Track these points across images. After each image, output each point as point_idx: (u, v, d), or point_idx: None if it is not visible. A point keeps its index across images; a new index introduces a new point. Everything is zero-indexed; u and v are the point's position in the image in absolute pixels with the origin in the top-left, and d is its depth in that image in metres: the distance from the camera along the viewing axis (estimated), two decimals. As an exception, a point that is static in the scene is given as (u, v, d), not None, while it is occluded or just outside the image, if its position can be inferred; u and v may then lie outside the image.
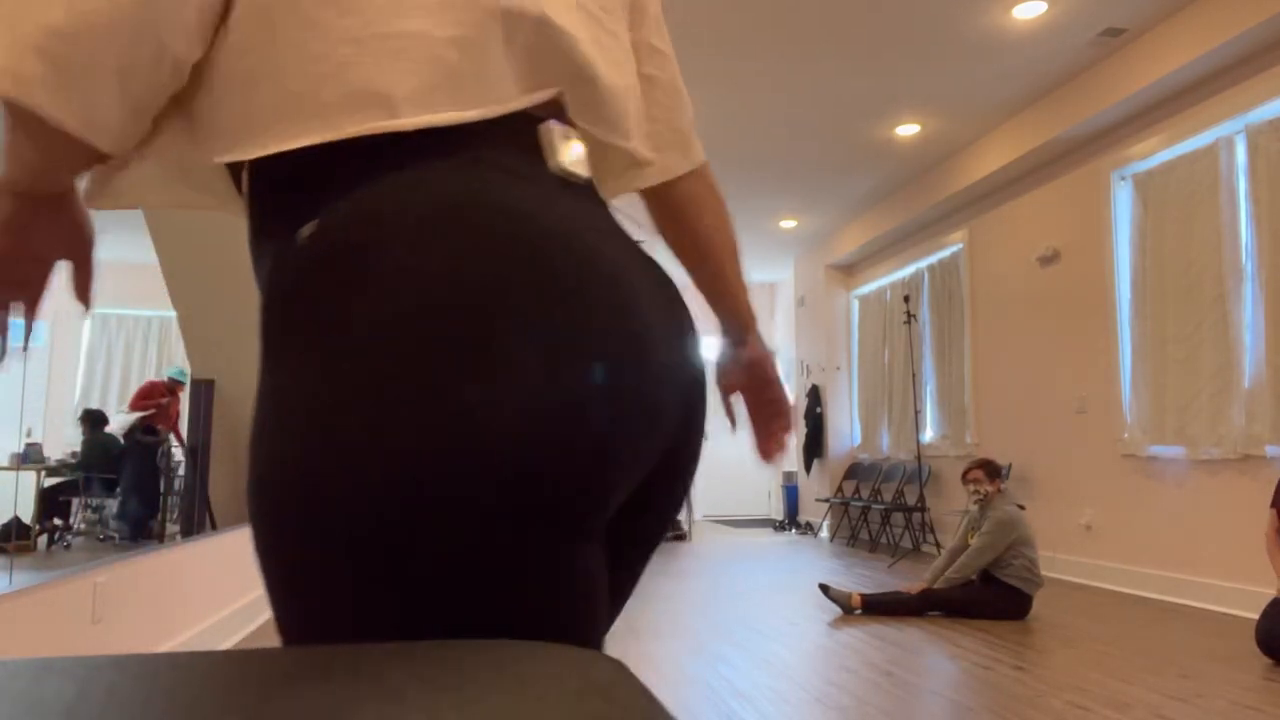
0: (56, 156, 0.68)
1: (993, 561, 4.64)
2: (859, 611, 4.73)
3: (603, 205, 0.79)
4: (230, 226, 4.02)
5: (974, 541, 4.71)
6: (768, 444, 1.08)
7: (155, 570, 3.34)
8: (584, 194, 0.75)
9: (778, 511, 11.97)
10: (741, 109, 6.14)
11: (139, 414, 3.87)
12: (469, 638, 0.61)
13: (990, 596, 4.62)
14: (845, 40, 5.15)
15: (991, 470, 4.89)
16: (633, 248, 0.75)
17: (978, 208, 7.31)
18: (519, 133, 0.73)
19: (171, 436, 4.24)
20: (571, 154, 0.75)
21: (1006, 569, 4.61)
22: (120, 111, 0.65)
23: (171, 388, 4.22)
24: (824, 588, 4.85)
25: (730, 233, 1.02)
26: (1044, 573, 4.70)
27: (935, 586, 4.73)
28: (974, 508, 4.89)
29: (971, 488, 4.90)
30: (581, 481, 0.62)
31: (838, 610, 4.83)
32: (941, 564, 4.85)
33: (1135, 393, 5.52)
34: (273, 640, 4.20)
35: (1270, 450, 4.53)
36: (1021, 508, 4.76)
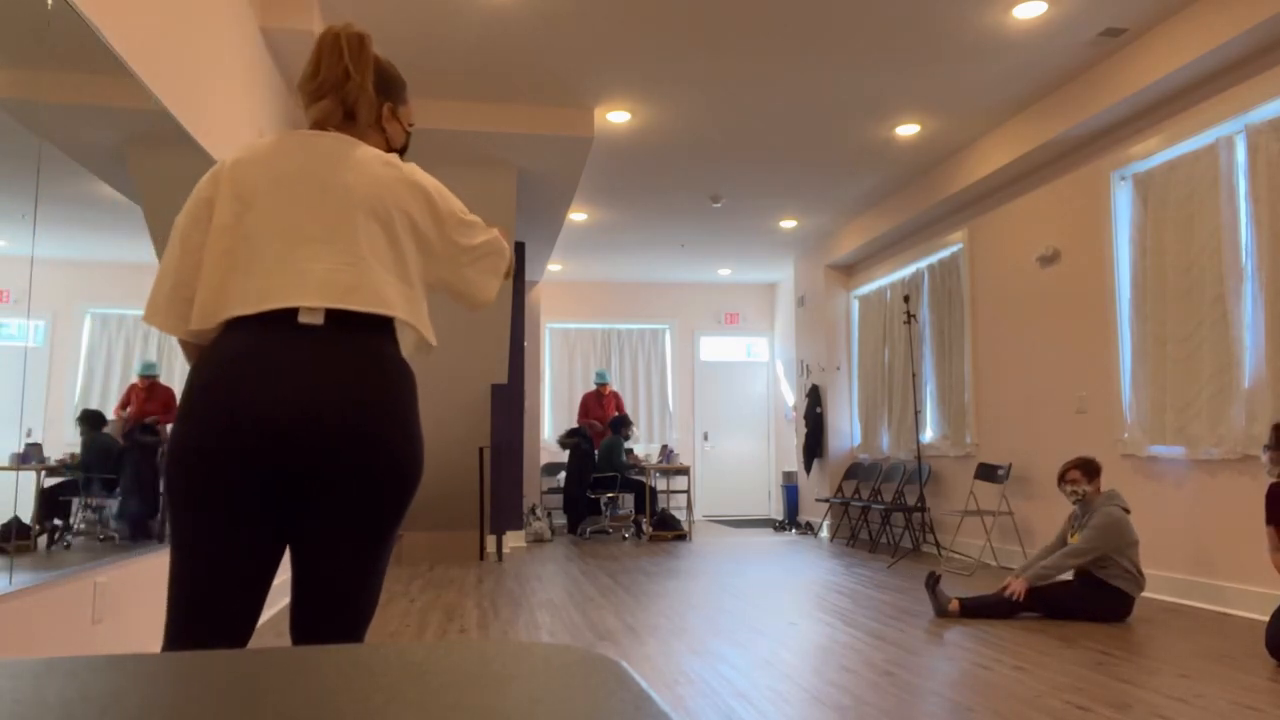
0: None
1: (1095, 562, 4.56)
2: (956, 614, 4.65)
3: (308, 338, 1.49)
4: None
5: (1077, 540, 4.60)
6: None
7: (155, 570, 3.34)
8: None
9: (778, 511, 11.96)
10: (741, 109, 6.14)
11: (153, 416, 3.89)
12: None
13: (1093, 596, 4.54)
14: (845, 40, 5.15)
15: (1090, 470, 4.77)
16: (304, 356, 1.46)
17: (978, 208, 7.31)
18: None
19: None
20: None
21: (1108, 569, 4.53)
22: None
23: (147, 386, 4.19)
24: (933, 580, 4.71)
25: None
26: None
27: (1033, 583, 4.57)
28: (1075, 508, 4.80)
29: (1069, 488, 4.79)
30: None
31: (837, 610, 4.83)
32: (1035, 558, 4.75)
33: (1135, 393, 5.51)
34: (272, 639, 4.20)
35: (1270, 450, 4.53)
36: (1126, 510, 4.64)
